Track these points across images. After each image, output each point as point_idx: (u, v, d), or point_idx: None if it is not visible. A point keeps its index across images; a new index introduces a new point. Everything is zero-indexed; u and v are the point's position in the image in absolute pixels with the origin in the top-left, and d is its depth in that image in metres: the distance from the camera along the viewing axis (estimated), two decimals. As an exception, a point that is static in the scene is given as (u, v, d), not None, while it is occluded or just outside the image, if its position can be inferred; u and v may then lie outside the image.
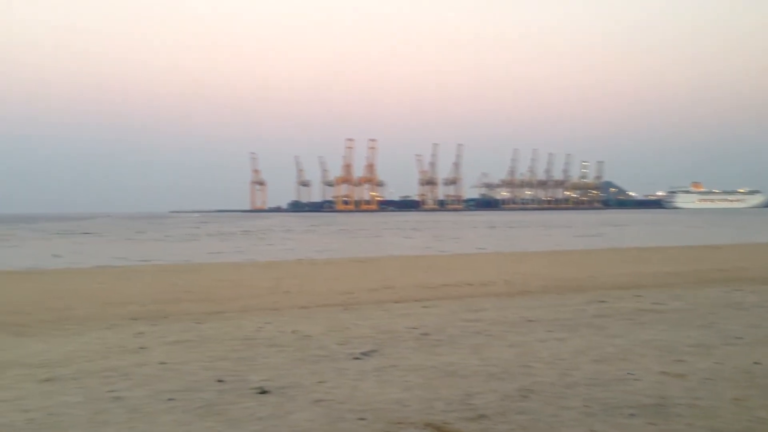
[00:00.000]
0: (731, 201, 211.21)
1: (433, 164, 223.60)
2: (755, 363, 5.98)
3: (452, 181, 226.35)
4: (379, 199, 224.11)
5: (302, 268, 19.96)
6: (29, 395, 5.21)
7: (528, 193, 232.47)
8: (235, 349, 6.99)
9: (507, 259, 23.38)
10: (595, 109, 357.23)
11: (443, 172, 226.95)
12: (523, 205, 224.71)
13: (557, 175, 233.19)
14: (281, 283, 14.85)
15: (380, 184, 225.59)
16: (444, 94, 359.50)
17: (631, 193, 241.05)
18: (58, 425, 4.46)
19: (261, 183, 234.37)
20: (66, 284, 15.82)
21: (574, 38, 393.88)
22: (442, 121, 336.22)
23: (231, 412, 4.67)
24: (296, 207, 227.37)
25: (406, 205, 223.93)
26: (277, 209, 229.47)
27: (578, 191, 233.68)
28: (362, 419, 4.49)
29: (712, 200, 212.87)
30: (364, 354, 6.57)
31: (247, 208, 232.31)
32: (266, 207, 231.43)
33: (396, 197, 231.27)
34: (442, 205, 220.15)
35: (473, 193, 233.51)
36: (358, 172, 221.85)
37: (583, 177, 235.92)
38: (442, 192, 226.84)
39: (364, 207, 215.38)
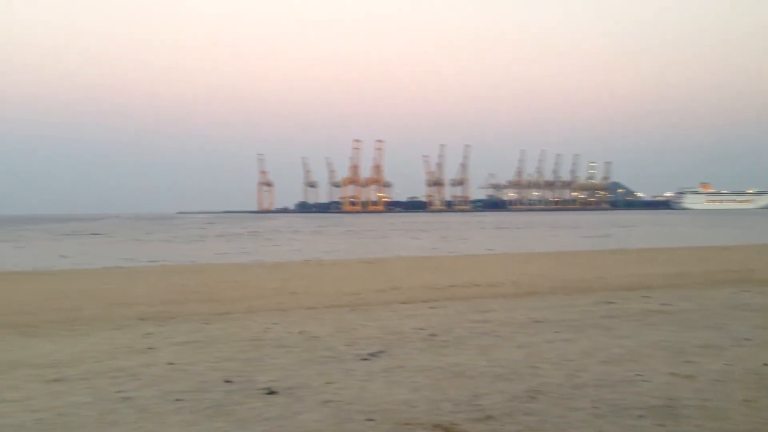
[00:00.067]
0: (739, 202, 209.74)
1: (440, 165, 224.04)
2: (765, 364, 5.95)
3: (459, 182, 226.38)
4: (386, 200, 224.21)
5: (309, 268, 19.99)
6: (38, 395, 5.23)
7: (535, 193, 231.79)
8: (242, 349, 7.01)
9: (514, 259, 23.34)
10: (596, 109, 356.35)
11: (450, 173, 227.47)
12: (531, 206, 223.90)
13: (565, 175, 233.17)
14: (288, 283, 14.88)
15: (387, 185, 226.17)
16: (447, 94, 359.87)
17: (638, 194, 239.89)
18: (66, 425, 4.48)
19: (268, 184, 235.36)
20: (74, 285, 15.87)
21: (574, 38, 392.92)
22: (449, 122, 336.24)
23: (239, 413, 4.68)
24: (303, 208, 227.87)
25: (413, 206, 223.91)
26: (285, 210, 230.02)
27: (586, 192, 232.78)
28: (370, 420, 4.48)
29: (720, 201, 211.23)
30: (372, 355, 6.57)
31: (255, 209, 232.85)
32: (273, 208, 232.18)
33: (403, 198, 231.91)
34: (449, 206, 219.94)
35: (480, 194, 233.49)
36: (365, 173, 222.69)
37: (591, 178, 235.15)
38: (449, 193, 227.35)
39: (371, 208, 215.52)
